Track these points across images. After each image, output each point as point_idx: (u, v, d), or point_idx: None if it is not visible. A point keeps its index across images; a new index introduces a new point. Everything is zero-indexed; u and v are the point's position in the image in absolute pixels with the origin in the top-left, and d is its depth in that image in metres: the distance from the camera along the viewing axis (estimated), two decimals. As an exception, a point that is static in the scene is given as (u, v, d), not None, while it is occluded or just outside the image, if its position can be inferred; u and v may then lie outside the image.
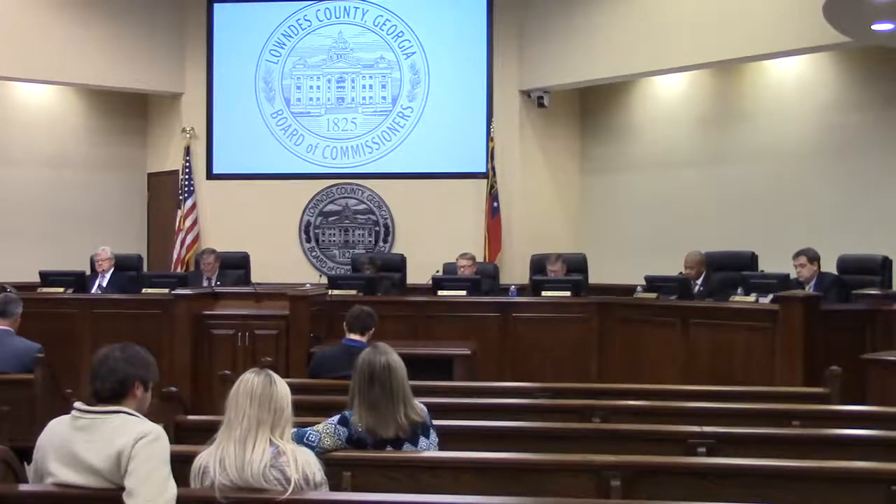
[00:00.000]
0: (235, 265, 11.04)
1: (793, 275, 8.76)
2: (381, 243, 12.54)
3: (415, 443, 4.01)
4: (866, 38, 9.22)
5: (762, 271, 9.39)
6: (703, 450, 4.26)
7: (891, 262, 9.09)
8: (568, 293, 9.66)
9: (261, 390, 3.46)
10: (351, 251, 12.47)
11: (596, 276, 10.88)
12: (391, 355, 4.10)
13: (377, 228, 12.59)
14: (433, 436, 4.10)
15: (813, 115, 10.53)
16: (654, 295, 9.17)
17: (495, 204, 12.10)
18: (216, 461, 3.40)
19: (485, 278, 10.46)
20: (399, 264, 11.18)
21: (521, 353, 9.17)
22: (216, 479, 3.37)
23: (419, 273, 10.94)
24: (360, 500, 3.49)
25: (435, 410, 4.21)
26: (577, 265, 10.81)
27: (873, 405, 5.86)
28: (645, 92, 12.12)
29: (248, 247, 11.43)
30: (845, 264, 9.21)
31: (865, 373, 6.34)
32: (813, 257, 8.77)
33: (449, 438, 4.19)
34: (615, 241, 12.10)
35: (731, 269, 9.50)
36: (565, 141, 12.72)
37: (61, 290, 9.71)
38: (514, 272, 11.78)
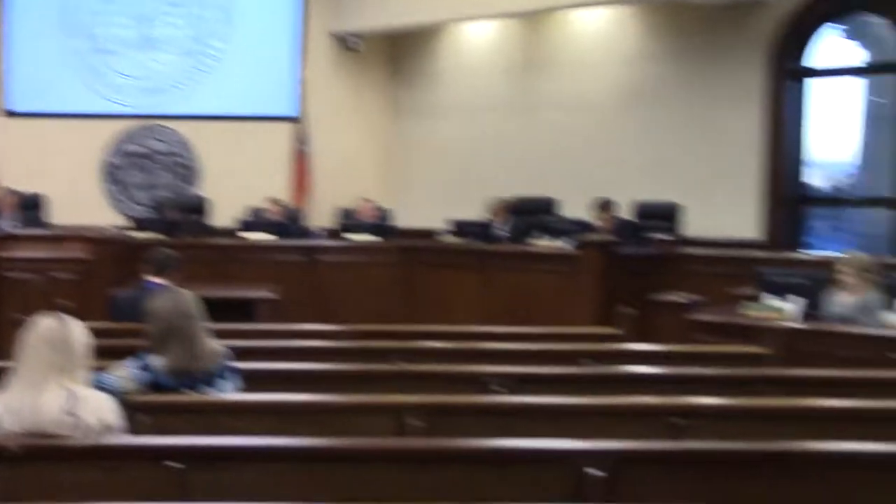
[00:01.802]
0: (33, 206, 10.58)
1: (592, 221, 9.04)
2: (185, 186, 12.22)
3: (215, 385, 3.95)
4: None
5: (562, 216, 9.65)
6: (501, 389, 4.35)
7: (679, 207, 9.49)
8: (375, 237, 9.69)
9: (54, 334, 3.33)
10: (154, 193, 12.10)
11: (406, 221, 10.94)
12: (189, 297, 4.01)
13: (182, 171, 12.26)
14: (234, 378, 4.05)
15: (615, 65, 10.79)
16: (458, 239, 9.29)
17: (304, 148, 11.97)
18: (6, 407, 3.27)
19: (292, 222, 10.37)
20: (204, 207, 10.95)
21: (327, 296, 9.15)
22: (6, 426, 3.24)
23: (225, 216, 10.75)
24: (158, 443, 3.41)
25: (237, 353, 4.15)
26: (383, 211, 10.86)
27: (661, 344, 6.13)
28: (455, 39, 12.17)
29: (48, 188, 10.96)
30: (639, 210, 9.56)
31: (655, 313, 6.61)
32: (610, 206, 9.07)
33: (251, 381, 4.15)
34: (425, 187, 12.15)
35: (534, 214, 9.73)
36: (377, 86, 12.67)
37: None
38: (323, 217, 11.71)
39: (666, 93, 10.42)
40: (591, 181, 10.06)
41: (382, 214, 10.88)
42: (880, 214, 9.47)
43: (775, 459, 3.21)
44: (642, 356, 5.35)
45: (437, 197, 11.79)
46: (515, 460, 3.19)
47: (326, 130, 12.14)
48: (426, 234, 10.01)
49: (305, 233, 10.41)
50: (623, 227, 9.04)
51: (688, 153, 10.10)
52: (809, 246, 9.86)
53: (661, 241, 8.73)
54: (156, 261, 6.14)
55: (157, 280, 6.06)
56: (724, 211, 9.64)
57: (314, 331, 6.35)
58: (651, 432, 3.60)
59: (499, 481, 3.09)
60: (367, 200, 10.86)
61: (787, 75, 9.55)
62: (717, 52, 9.94)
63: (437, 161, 12.15)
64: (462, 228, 9.41)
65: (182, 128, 12.21)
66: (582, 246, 7.98)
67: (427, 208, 11.44)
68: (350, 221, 10.37)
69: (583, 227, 8.81)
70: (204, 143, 12.19)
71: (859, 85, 10.07)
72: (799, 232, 9.79)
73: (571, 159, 10.92)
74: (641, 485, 3.07)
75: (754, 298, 6.57)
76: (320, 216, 11.68)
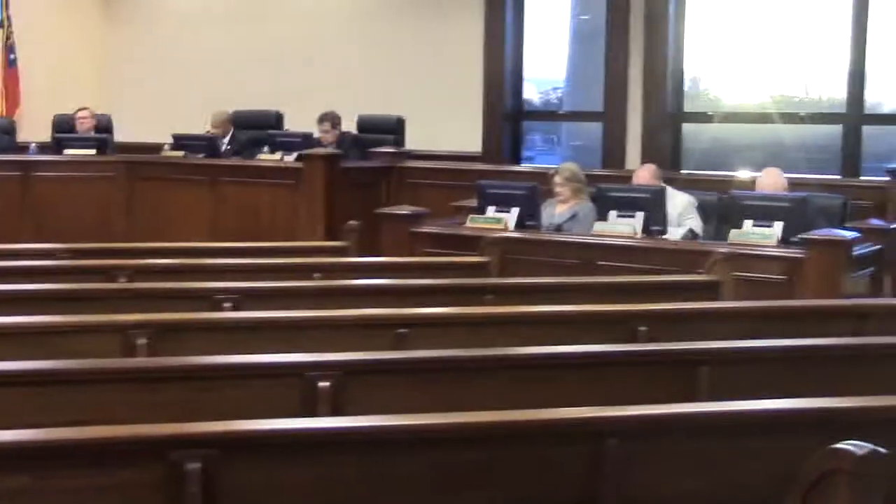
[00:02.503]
0: None
1: (316, 134, 9.03)
2: None
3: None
4: None
5: (287, 130, 9.59)
6: (228, 305, 4.33)
7: (404, 121, 9.63)
8: (93, 151, 9.30)
9: None
10: None
11: (126, 135, 10.53)
12: None
13: None
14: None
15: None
16: (181, 153, 9.07)
17: (12, 56, 11.25)
18: None
19: (2, 135, 9.79)
20: None
21: (43, 214, 8.72)
22: None
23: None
24: None
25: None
26: (104, 123, 10.41)
27: (387, 256, 6.27)
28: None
29: None
30: (364, 124, 9.65)
31: (381, 227, 6.73)
32: (334, 120, 9.08)
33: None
34: (146, 99, 11.67)
35: (259, 128, 9.62)
36: (87, -8, 12.02)
37: None
38: (37, 129, 11.05)
39: (390, 6, 10.47)
40: (316, 95, 9.99)
41: (102, 125, 10.41)
42: (590, 127, 9.95)
43: (497, 364, 3.38)
44: (368, 268, 5.45)
45: (158, 110, 11.34)
46: (243, 375, 3.20)
47: (35, 36, 11.41)
48: (149, 149, 9.69)
49: (17, 147, 9.84)
50: (348, 141, 9.09)
51: (412, 67, 10.22)
52: (528, 159, 10.27)
53: (386, 153, 8.85)
54: None
55: None
56: (448, 125, 9.87)
57: (31, 250, 6.07)
58: (378, 343, 3.69)
59: (226, 398, 3.09)
60: (83, 109, 10.34)
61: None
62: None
63: (158, 72, 11.67)
64: (185, 142, 9.17)
65: None
66: (306, 160, 7.97)
67: (148, 122, 11.00)
68: (66, 135, 9.86)
69: (308, 141, 8.79)
70: None
71: (567, 2, 10.45)
72: (518, 145, 10.17)
73: (297, 73, 10.79)
74: (368, 395, 3.15)
75: (479, 210, 6.79)
76: (35, 128, 11.02)
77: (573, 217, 6.83)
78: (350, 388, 3.14)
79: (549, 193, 7.04)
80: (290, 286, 4.71)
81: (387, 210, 6.93)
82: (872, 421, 2.76)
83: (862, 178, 8.02)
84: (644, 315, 4.08)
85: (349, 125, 9.46)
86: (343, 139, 9.10)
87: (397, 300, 4.49)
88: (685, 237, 6.53)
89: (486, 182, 7.13)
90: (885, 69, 8.62)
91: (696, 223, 6.78)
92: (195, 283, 4.63)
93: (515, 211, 6.65)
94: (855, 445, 2.13)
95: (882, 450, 2.12)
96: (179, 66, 11.54)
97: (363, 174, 8.43)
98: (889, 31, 8.46)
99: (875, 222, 6.59)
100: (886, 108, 8.83)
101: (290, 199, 7.98)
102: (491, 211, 6.73)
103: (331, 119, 9.07)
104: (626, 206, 6.43)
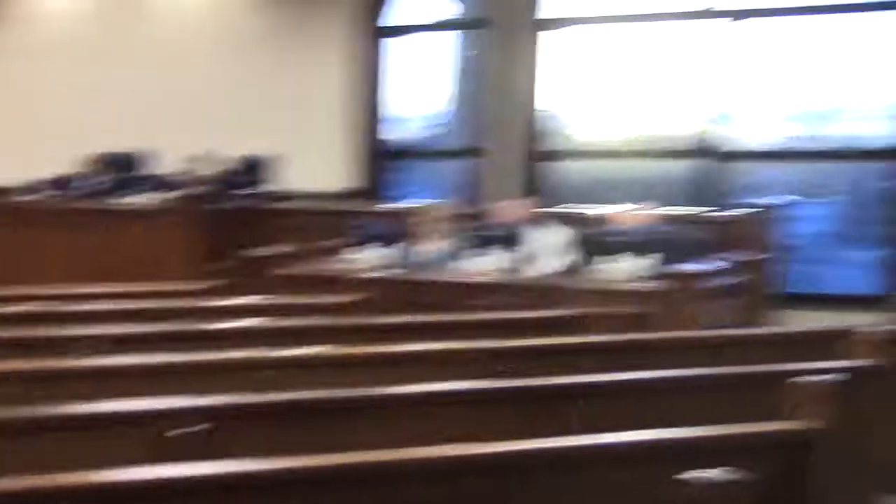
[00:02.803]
0: None
1: (185, 175, 8.92)
2: None
3: None
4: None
5: (156, 172, 9.45)
6: (88, 351, 4.21)
7: (276, 160, 9.57)
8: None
9: None
10: None
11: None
12: None
13: None
14: None
15: (206, 11, 10.59)
16: (40, 196, 8.85)
17: None
18: None
19: None
20: None
21: None
22: None
23: None
24: None
25: None
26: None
27: (255, 298, 6.20)
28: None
29: None
30: (236, 164, 9.55)
31: (249, 267, 6.66)
32: (204, 159, 8.99)
33: None
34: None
35: (125, 168, 9.45)
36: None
37: None
38: None
39: (258, 44, 10.37)
40: (186, 134, 9.81)
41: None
42: (464, 165, 10.03)
43: (368, 404, 3.37)
44: (236, 311, 5.37)
45: (14, 149, 10.92)
46: (95, 425, 3.10)
47: None
48: (1, 192, 9.38)
49: None
50: (218, 181, 9.00)
51: (280, 106, 10.13)
52: (400, 197, 10.29)
53: (256, 194, 8.79)
54: None
55: None
56: (316, 164, 9.81)
57: None
58: (246, 386, 3.63)
59: (78, 448, 2.98)
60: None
61: (373, 31, 9.86)
62: (306, 5, 10.07)
63: (13, 110, 11.24)
64: (46, 185, 8.94)
65: None
66: (175, 202, 7.87)
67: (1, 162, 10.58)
68: None
69: (176, 181, 8.68)
70: None
71: (451, 39, 10.56)
72: (387, 184, 10.18)
73: (165, 110, 10.53)
74: (235, 440, 3.10)
75: (349, 250, 6.79)
76: None
77: (443, 256, 6.87)
78: (216, 434, 3.08)
79: (420, 232, 7.08)
80: (155, 330, 4.61)
81: (256, 252, 6.88)
82: (731, 448, 2.84)
83: (723, 212, 8.27)
84: (508, 352, 4.13)
85: (219, 164, 9.36)
86: (213, 179, 9.00)
87: (265, 342, 4.44)
88: (558, 273, 6.60)
89: (357, 221, 7.15)
90: (746, 106, 8.97)
91: (570, 258, 6.88)
92: (54, 330, 4.50)
93: (386, 250, 6.66)
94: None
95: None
96: (38, 103, 11.12)
97: (233, 215, 8.34)
98: (750, 69, 8.80)
99: (738, 254, 6.82)
100: (749, 145, 9.14)
101: (158, 241, 7.86)
102: (362, 250, 6.73)
103: (201, 158, 8.97)
104: (497, 244, 6.51)
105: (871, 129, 8.78)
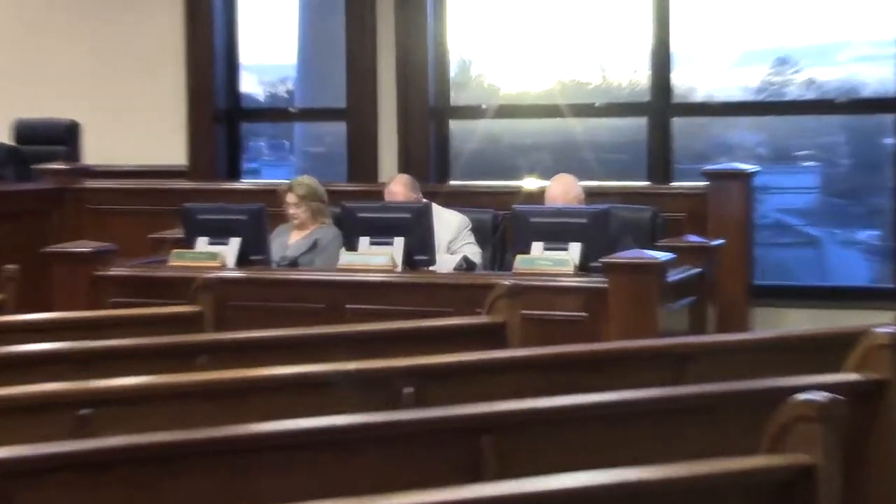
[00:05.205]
0: None
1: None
2: None
3: None
4: None
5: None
6: None
7: (80, 127, 9.42)
8: None
9: None
10: None
11: None
12: None
13: None
14: None
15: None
16: None
17: None
18: None
19: None
20: None
21: None
22: None
23: None
24: None
25: None
26: None
27: (61, 311, 6.08)
28: None
29: None
30: (24, 132, 9.38)
31: (52, 270, 6.54)
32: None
33: None
34: None
35: None
36: None
37: None
38: None
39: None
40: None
41: None
42: (331, 129, 9.98)
43: (214, 447, 3.30)
44: (34, 328, 5.29)
45: None
46: None
47: None
48: None
49: None
50: (2, 155, 8.84)
51: (94, 61, 9.95)
52: (251, 173, 10.20)
53: (57, 171, 8.63)
54: None
55: None
56: (142, 132, 9.67)
57: None
58: (54, 429, 3.57)
59: None
60: None
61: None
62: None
63: None
64: None
65: None
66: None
67: None
68: None
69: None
70: None
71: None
72: (236, 155, 10.05)
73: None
74: (37, 499, 3.03)
75: (186, 243, 6.71)
76: None
77: (313, 247, 6.86)
78: (15, 493, 3.00)
79: (281, 217, 7.03)
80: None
81: (59, 248, 6.76)
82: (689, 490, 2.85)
83: (674, 183, 8.34)
84: (409, 372, 4.11)
85: (2, 134, 9.20)
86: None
87: (76, 371, 4.37)
88: (459, 268, 6.63)
89: (195, 206, 7.05)
90: (694, 46, 8.92)
91: (471, 249, 6.92)
92: None
93: (236, 242, 6.62)
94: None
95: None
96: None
97: (24, 199, 8.21)
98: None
99: (692, 238, 6.88)
100: (699, 95, 9.11)
101: None
102: (202, 244, 6.68)
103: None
104: (382, 231, 6.49)
105: (873, 73, 8.69)
